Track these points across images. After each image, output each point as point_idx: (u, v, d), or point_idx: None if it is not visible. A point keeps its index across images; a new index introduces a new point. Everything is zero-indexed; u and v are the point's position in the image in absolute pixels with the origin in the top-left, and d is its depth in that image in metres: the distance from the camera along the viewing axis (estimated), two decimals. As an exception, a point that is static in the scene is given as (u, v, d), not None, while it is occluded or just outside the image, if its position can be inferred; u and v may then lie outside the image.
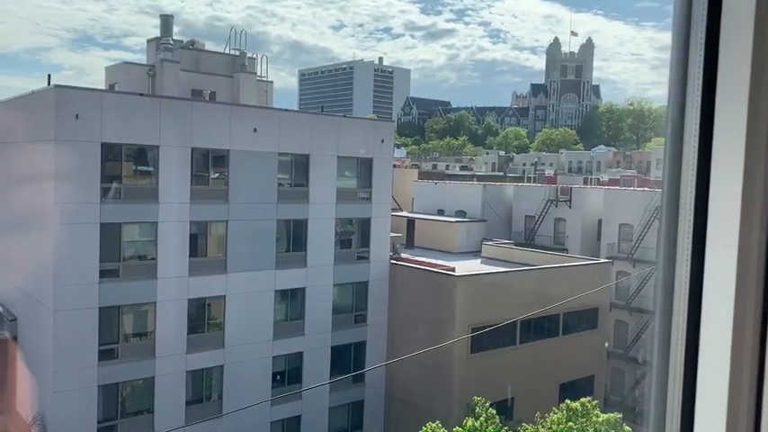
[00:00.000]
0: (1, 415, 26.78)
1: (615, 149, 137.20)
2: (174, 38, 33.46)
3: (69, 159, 23.25)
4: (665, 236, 1.33)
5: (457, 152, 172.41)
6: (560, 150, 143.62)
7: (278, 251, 28.82)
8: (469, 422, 22.91)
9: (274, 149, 28.39)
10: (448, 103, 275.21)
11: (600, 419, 22.59)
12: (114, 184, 24.39)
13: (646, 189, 46.69)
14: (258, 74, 35.39)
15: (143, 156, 25.52)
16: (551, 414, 23.88)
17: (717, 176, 1.26)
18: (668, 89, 1.29)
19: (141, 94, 27.22)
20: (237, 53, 34.68)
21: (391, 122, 44.96)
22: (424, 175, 70.36)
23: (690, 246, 1.30)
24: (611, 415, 23.20)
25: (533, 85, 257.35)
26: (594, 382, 33.70)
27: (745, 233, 1.23)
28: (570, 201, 45.22)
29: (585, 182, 60.78)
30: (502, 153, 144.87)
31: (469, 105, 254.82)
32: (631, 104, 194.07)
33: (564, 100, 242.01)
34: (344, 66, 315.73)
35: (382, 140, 32.31)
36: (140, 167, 25.66)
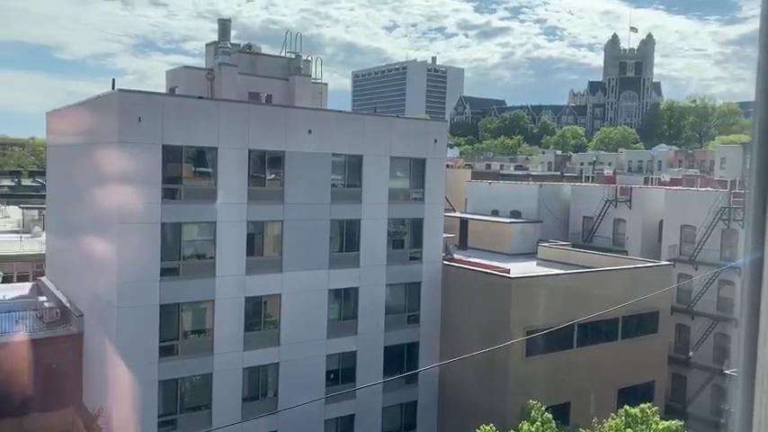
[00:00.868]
0: (69, 407, 27.91)
1: (677, 148, 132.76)
2: (232, 41, 34.12)
3: (132, 161, 24.04)
4: (750, 239, 1.25)
5: (512, 152, 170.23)
6: (619, 149, 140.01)
7: (331, 251, 29.07)
8: (525, 426, 22.57)
9: (328, 150, 28.65)
10: (502, 102, 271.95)
11: (660, 427, 21.90)
12: (175, 185, 25.08)
13: (709, 189, 44.99)
14: (312, 76, 35.74)
15: (202, 157, 26.16)
16: (609, 420, 23.29)
17: None
18: (755, 86, 1.20)
19: (200, 98, 27.88)
20: (293, 56, 35.12)
21: (444, 122, 44.70)
22: (477, 175, 69.77)
23: None
24: (673, 422, 22.46)
25: (591, 83, 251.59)
26: (654, 387, 32.71)
27: None
28: (630, 201, 44.00)
29: (646, 181, 59.07)
30: (558, 152, 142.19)
31: (525, 104, 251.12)
32: (694, 101, 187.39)
33: (623, 98, 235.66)
34: (397, 66, 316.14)
35: (435, 140, 32.18)
36: (200, 169, 26.30)
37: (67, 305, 29.60)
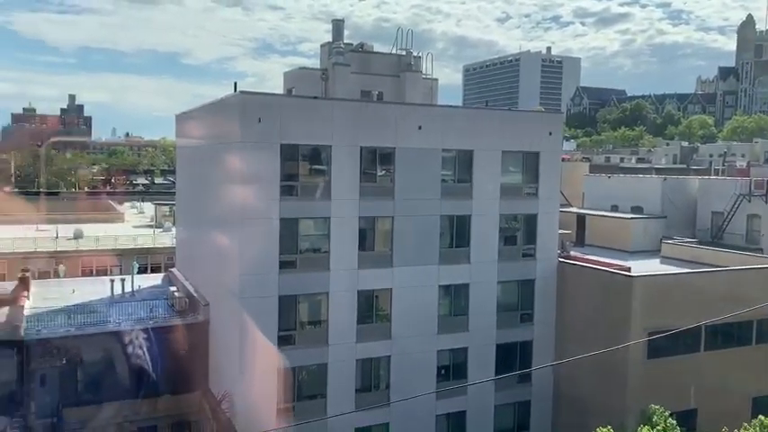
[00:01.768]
0: (197, 390, 29.87)
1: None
2: (345, 41, 34.93)
3: (253, 160, 25.26)
4: None
5: (633, 143, 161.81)
6: (754, 139, 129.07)
7: (441, 247, 29.04)
8: (645, 430, 21.47)
9: (438, 146, 28.63)
10: (622, 92, 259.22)
11: (802, 441, 20.03)
12: (292, 183, 26.10)
13: None
14: (423, 72, 35.82)
15: (317, 155, 27.02)
16: (741, 430, 21.63)
17: None
18: None
19: (315, 97, 28.81)
20: (403, 53, 35.37)
21: (560, 114, 43.30)
22: (595, 169, 66.94)
23: None
24: (817, 437, 20.46)
25: (721, 69, 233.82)
26: (795, 398, 29.92)
27: None
28: (767, 195, 40.49)
29: (785, 173, 54.03)
30: (684, 144, 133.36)
31: (647, 93, 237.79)
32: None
33: (759, 83, 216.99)
34: (510, 58, 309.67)
35: (550, 133, 31.25)
36: (314, 166, 27.18)
37: (195, 295, 31.66)
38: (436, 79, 36.88)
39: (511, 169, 30.88)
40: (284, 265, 26.01)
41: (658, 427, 21.69)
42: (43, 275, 42.90)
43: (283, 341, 26.15)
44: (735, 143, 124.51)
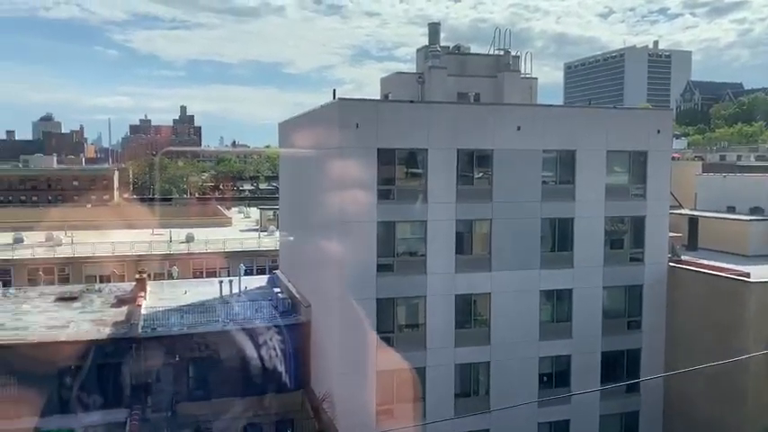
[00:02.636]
0: (299, 390, 30.68)
1: None
2: (441, 44, 34.83)
3: (351, 165, 25.66)
4: None
5: (751, 140, 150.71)
6: None
7: (543, 250, 28.26)
8: (769, 451, 19.84)
9: (538, 147, 27.91)
10: (739, 85, 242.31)
11: None
12: (389, 186, 26.31)
13: None
14: (522, 71, 35.09)
15: (413, 159, 27.07)
16: None
17: None
18: None
19: (411, 102, 28.89)
20: (501, 53, 34.82)
21: (669, 111, 40.95)
22: (709, 168, 62.90)
23: None
24: None
25: None
26: None
27: None
28: None
29: None
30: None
31: (767, 86, 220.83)
32: None
33: None
34: (614, 54, 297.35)
35: (658, 131, 29.66)
36: (411, 170, 27.24)
37: (297, 296, 32.58)
38: (535, 78, 36.01)
39: (616, 170, 29.58)
40: (382, 268, 26.23)
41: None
42: (158, 277, 45.70)
43: (382, 344, 26.32)
44: None
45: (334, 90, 27.69)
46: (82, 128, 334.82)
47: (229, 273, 45.22)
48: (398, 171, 26.80)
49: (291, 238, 38.08)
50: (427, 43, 34.71)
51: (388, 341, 26.57)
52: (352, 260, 25.82)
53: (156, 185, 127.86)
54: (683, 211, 41.17)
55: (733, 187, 45.28)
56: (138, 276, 36.60)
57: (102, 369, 27.39)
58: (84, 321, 30.43)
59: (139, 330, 28.64)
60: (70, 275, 47.40)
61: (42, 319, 30.64)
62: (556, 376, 29.03)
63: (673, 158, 35.96)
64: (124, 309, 32.37)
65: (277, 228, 52.73)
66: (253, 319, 31.21)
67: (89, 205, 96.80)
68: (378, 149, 25.73)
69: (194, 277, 47.63)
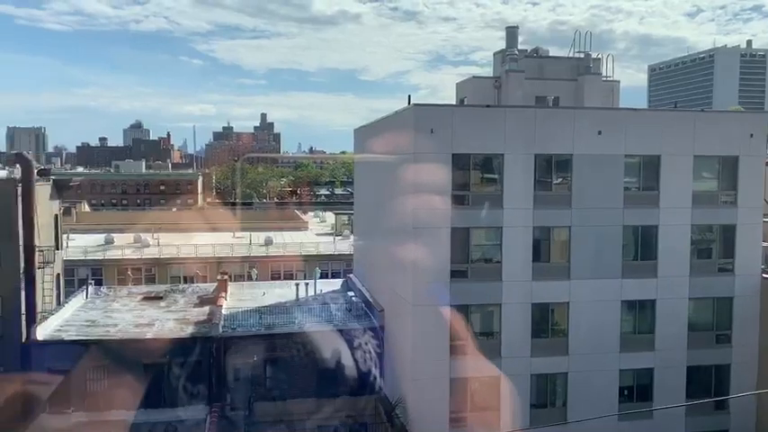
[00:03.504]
0: (372, 394, 30.80)
1: None
2: (519, 47, 34.31)
3: (425, 170, 25.61)
4: None
5: None
6: None
7: (624, 259, 27.26)
8: None
9: (620, 152, 26.97)
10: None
11: None
12: (463, 192, 26.09)
13: None
14: (603, 74, 34.10)
15: (489, 164, 26.76)
16: None
17: None
18: None
19: (488, 106, 28.57)
20: (581, 55, 33.96)
21: (764, 114, 38.70)
22: (808, 174, 58.83)
23: None
24: None
25: None
26: None
27: None
28: None
29: None
30: None
31: None
32: None
33: None
34: (702, 55, 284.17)
35: (751, 135, 28.05)
36: (486, 175, 26.93)
37: (371, 300, 32.78)
38: (617, 81, 34.88)
39: (704, 175, 28.18)
40: (455, 274, 26.01)
41: None
42: (238, 278, 47.14)
43: (455, 350, 26.11)
44: None
45: (409, 96, 27.81)
46: (169, 134, 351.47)
47: (305, 276, 46.15)
48: (473, 176, 26.54)
49: (365, 243, 38.40)
50: (504, 47, 34.26)
51: (461, 349, 26.30)
52: (426, 266, 25.74)
53: (238, 190, 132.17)
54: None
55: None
56: (219, 277, 37.88)
57: (184, 366, 28.46)
58: (169, 320, 31.76)
59: (220, 330, 29.60)
60: (156, 275, 49.67)
61: (130, 317, 32.20)
62: (637, 390, 27.91)
63: (767, 164, 33.90)
64: (206, 308, 33.55)
65: (351, 232, 53.35)
66: (327, 322, 31.63)
67: (175, 209, 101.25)
68: (453, 155, 25.58)
69: (272, 279, 48.84)
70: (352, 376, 30.31)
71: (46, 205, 35.04)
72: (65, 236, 43.84)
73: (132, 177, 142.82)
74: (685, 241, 27.71)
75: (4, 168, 44.07)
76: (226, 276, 37.85)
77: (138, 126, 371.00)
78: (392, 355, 30.00)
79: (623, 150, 26.99)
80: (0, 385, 31.81)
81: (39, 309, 32.11)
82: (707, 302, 28.35)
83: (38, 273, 32.45)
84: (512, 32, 34.63)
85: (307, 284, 36.64)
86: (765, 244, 29.79)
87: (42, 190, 34.55)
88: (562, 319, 27.25)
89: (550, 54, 35.81)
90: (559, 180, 27.12)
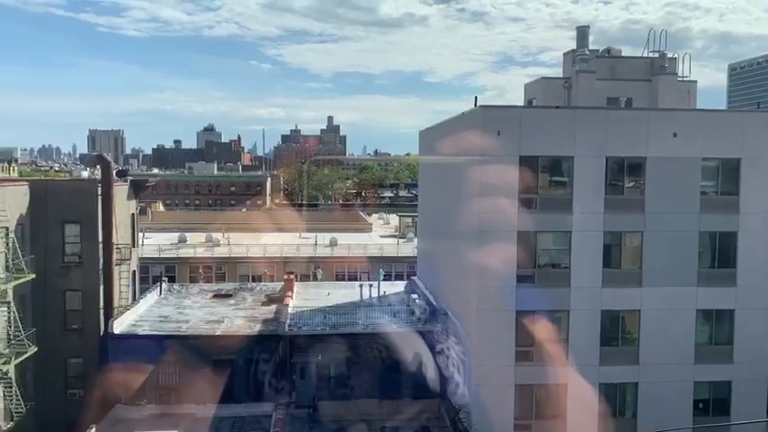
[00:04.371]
0: (435, 397, 30.63)
1: None
2: (590, 47, 33.47)
3: (492, 172, 25.29)
4: None
5: None
6: None
7: (701, 267, 26.13)
8: None
9: (697, 154, 25.87)
10: None
11: None
12: (530, 195, 25.63)
13: None
14: (679, 74, 32.84)
15: (557, 166, 26.19)
16: None
17: None
18: None
19: (557, 107, 27.99)
20: (656, 55, 32.83)
21: None
22: None
23: None
24: None
25: None
26: None
27: None
28: None
29: None
30: None
31: None
32: None
33: None
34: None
35: (842, 136, 26.36)
36: (554, 178, 26.38)
37: (434, 303, 32.65)
38: (694, 81, 33.54)
39: (789, 179, 26.67)
40: (522, 279, 25.57)
41: None
42: (303, 278, 47.90)
43: (521, 356, 25.68)
44: None
45: (476, 97, 27.58)
46: (239, 137, 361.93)
47: (369, 277, 46.39)
48: (542, 179, 26.04)
49: (429, 245, 38.27)
50: (575, 47, 33.50)
51: (527, 355, 25.85)
52: (491, 270, 25.39)
53: (304, 192, 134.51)
54: None
55: None
56: (286, 277, 38.60)
57: (251, 363, 29.11)
58: (238, 318, 32.58)
59: (286, 328, 30.13)
60: (226, 274, 51.07)
61: (201, 314, 33.22)
62: (713, 403, 26.69)
63: None
64: (273, 307, 34.24)
65: (415, 234, 53.32)
66: (391, 324, 31.68)
67: (244, 209, 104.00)
68: (520, 156, 25.19)
69: (336, 280, 49.37)
70: (415, 379, 30.23)
71: (124, 205, 36.66)
72: (140, 234, 45.72)
73: (204, 179, 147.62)
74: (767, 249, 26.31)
75: (85, 169, 46.39)
76: (292, 276, 38.52)
77: (210, 129, 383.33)
78: (456, 359, 29.75)
79: (700, 153, 25.90)
80: (80, 376, 33.50)
81: (115, 304, 33.62)
82: (791, 314, 26.79)
83: (115, 269, 33.99)
84: (582, 32, 33.81)
85: (370, 286, 36.84)
86: None
87: (120, 190, 36.19)
88: (633, 327, 26.37)
89: (623, 54, 34.80)
90: (632, 183, 26.27)
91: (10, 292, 30.03)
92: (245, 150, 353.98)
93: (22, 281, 30.38)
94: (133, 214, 39.18)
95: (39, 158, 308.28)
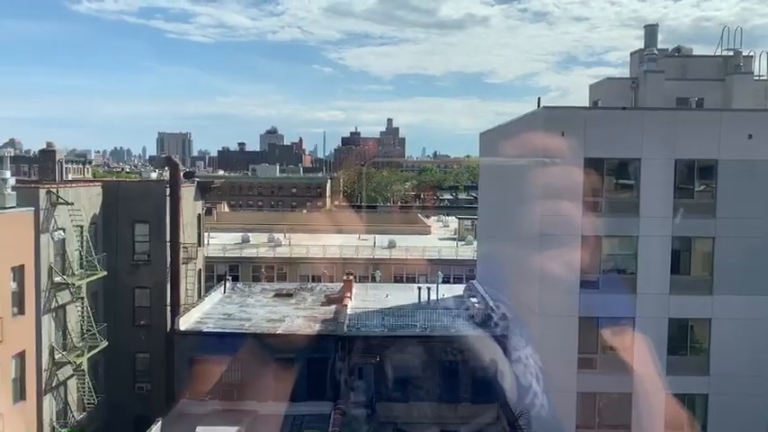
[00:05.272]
0: (495, 402, 30.27)
1: None
2: (659, 47, 32.41)
3: (555, 175, 24.81)
4: None
5: None
6: None
7: (777, 274, 24.87)
8: None
9: (774, 157, 24.66)
10: None
11: None
12: (595, 198, 25.00)
13: None
14: (755, 73, 31.39)
15: (623, 169, 25.47)
16: None
17: None
18: None
19: (623, 108, 27.22)
20: (730, 53, 31.48)
21: None
22: None
23: None
24: None
25: None
26: None
27: None
28: None
29: None
30: None
31: None
32: None
33: None
34: None
35: None
36: (620, 181, 25.65)
37: (494, 307, 32.24)
38: (772, 80, 31.97)
39: None
40: (585, 285, 24.95)
41: None
42: (362, 279, 48.18)
43: (583, 364, 25.09)
44: None
45: (539, 98, 27.23)
46: (301, 140, 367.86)
47: (427, 279, 46.25)
48: (607, 182, 25.37)
49: (489, 249, 37.84)
50: (642, 46, 32.52)
51: (590, 362, 25.24)
52: (554, 275, 24.88)
53: (363, 194, 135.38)
54: None
55: None
56: (345, 278, 38.94)
57: (311, 362, 29.49)
58: (298, 317, 33.09)
59: (345, 329, 30.38)
60: (287, 274, 51.95)
61: (263, 313, 33.90)
62: (791, 420, 25.31)
63: None
64: (332, 307, 34.60)
65: (474, 238, 52.84)
66: (449, 327, 31.52)
67: (305, 210, 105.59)
68: (585, 159, 24.61)
69: (394, 282, 49.46)
70: (474, 383, 29.97)
71: (190, 205, 37.82)
72: (206, 234, 47.05)
73: (267, 180, 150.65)
74: None
75: (154, 171, 48.10)
76: (351, 277, 38.82)
77: (273, 132, 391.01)
78: (516, 365, 29.30)
79: (778, 155, 24.67)
80: (147, 370, 34.74)
81: (182, 301, 34.68)
82: None
83: (182, 268, 35.05)
84: (651, 31, 32.79)
85: (429, 288, 36.72)
86: None
87: (187, 191, 37.34)
88: (703, 336, 25.36)
89: (694, 53, 33.54)
90: (702, 187, 25.27)
91: (84, 289, 31.45)
92: (307, 152, 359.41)
93: (94, 278, 31.76)
94: (199, 214, 40.37)
95: (111, 160, 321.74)
